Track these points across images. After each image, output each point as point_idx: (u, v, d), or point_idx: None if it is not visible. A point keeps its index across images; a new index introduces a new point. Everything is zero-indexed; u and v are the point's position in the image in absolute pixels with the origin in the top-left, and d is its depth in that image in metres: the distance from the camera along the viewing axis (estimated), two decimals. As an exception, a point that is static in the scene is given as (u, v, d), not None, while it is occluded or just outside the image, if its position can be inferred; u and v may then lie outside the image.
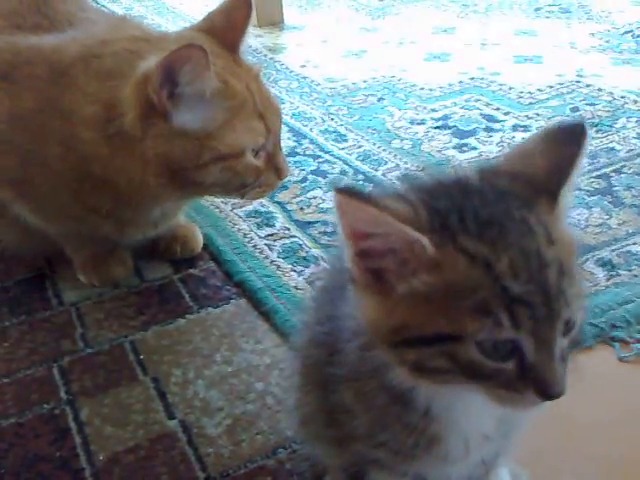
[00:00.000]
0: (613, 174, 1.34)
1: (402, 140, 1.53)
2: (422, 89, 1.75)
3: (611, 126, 1.50)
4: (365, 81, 1.83)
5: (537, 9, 2.21)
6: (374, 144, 1.52)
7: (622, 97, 1.62)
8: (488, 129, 1.54)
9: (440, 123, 1.58)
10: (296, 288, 1.10)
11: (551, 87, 1.70)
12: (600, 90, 1.66)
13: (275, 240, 1.23)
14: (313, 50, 2.05)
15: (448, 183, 0.54)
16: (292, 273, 1.14)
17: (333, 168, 1.44)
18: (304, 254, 1.18)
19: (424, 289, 0.49)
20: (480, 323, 0.48)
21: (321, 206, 1.31)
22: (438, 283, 0.49)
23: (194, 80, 0.91)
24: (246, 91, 0.98)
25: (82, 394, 0.95)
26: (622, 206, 1.24)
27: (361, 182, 1.38)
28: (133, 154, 0.95)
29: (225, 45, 1.01)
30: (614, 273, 1.08)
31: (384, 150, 1.49)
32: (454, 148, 1.48)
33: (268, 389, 0.94)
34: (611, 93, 1.64)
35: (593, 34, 1.99)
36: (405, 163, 1.43)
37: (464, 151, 1.47)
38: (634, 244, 1.15)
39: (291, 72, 1.92)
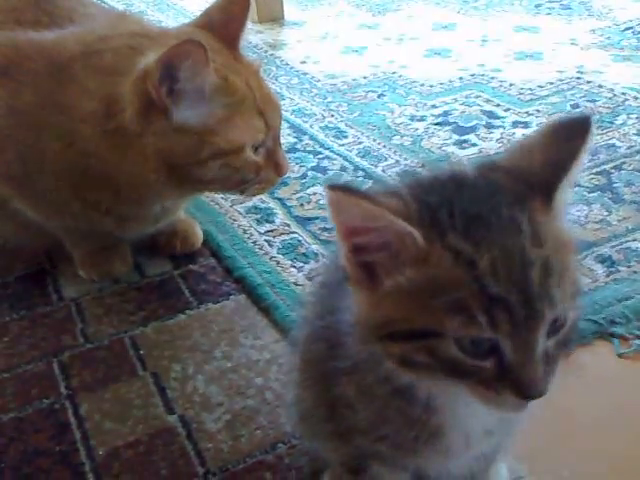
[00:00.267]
0: (613, 170, 1.34)
1: (402, 136, 1.53)
2: (422, 85, 1.75)
3: (611, 122, 1.50)
4: (365, 77, 1.83)
5: (538, 5, 2.20)
6: (374, 140, 1.52)
7: (623, 94, 1.62)
8: (488, 125, 1.54)
9: (440, 119, 1.58)
10: (296, 284, 1.11)
11: (551, 84, 1.70)
12: (601, 87, 1.66)
13: (275, 236, 1.23)
14: (313, 46, 2.05)
15: (443, 178, 0.54)
16: (292, 269, 1.14)
17: (333, 164, 1.44)
18: (304, 250, 1.18)
19: (408, 284, 0.50)
20: (459, 321, 0.48)
21: (321, 202, 1.31)
22: (422, 278, 0.49)
23: (193, 76, 0.91)
24: (246, 87, 0.98)
25: (82, 389, 0.96)
26: (622, 202, 1.24)
27: (361, 178, 1.38)
28: (132, 150, 0.95)
29: (224, 41, 1.01)
30: (614, 269, 1.08)
31: (384, 146, 1.49)
32: (454, 144, 1.48)
33: (267, 384, 0.94)
34: (612, 90, 1.64)
35: (594, 31, 1.99)
36: (405, 159, 1.43)
37: (464, 147, 1.47)
38: (634, 240, 1.15)
39: (291, 68, 1.92)
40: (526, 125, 1.52)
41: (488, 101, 1.64)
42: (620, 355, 0.95)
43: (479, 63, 1.85)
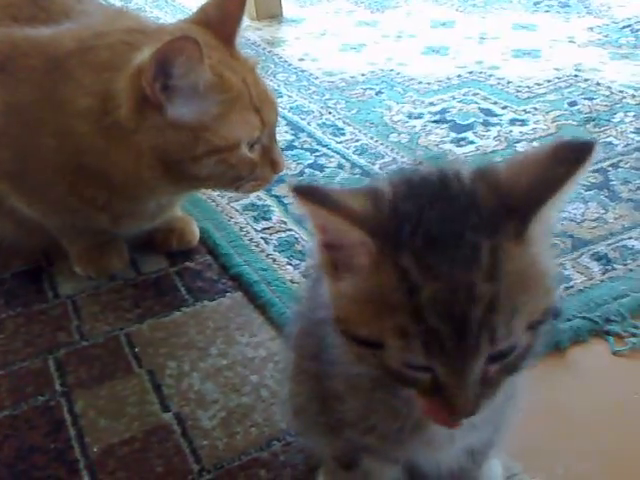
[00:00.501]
0: (610, 168, 1.33)
1: (400, 134, 1.52)
2: (420, 83, 1.75)
3: (609, 120, 1.50)
4: (363, 75, 1.82)
5: (536, 3, 2.20)
6: (372, 138, 1.52)
7: (620, 91, 1.62)
8: (486, 123, 1.54)
9: (438, 117, 1.58)
10: (292, 281, 1.10)
11: (549, 81, 1.70)
12: (598, 84, 1.66)
13: (271, 234, 1.23)
14: (312, 43, 2.05)
15: (429, 182, 0.52)
16: (288, 266, 1.14)
17: (330, 162, 1.43)
18: (300, 248, 1.18)
19: (360, 291, 0.50)
20: (397, 342, 0.49)
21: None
22: (371, 289, 0.49)
23: (187, 73, 0.91)
24: (242, 84, 0.98)
25: (77, 386, 0.95)
26: (618, 200, 1.24)
27: (358, 176, 1.38)
28: (128, 146, 0.95)
29: (221, 38, 1.01)
30: (609, 267, 1.08)
31: (381, 144, 1.49)
32: (451, 142, 1.48)
33: (263, 382, 0.94)
34: (609, 87, 1.64)
35: (592, 28, 1.99)
36: (402, 157, 1.43)
37: (461, 145, 1.46)
38: (630, 238, 1.14)
39: (289, 65, 1.91)
40: (523, 123, 1.52)
41: (486, 99, 1.64)
42: (615, 353, 0.95)
43: (477, 61, 1.84)
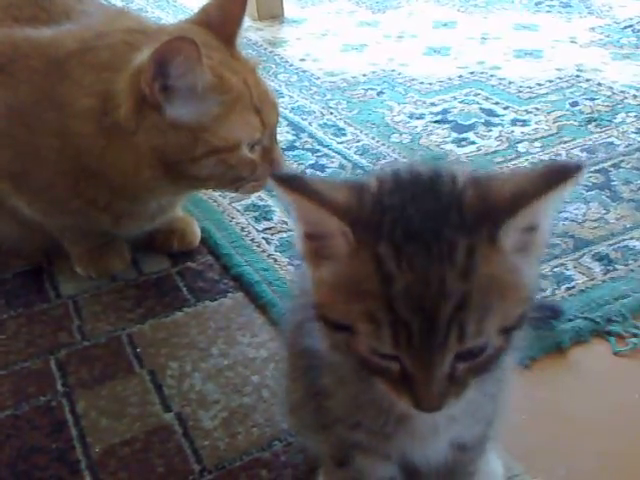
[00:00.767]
0: (611, 169, 1.33)
1: (401, 134, 1.52)
2: (422, 83, 1.75)
3: (610, 121, 1.50)
4: (365, 75, 1.82)
5: (538, 3, 2.20)
6: (373, 138, 1.52)
7: (622, 92, 1.62)
8: (487, 123, 1.54)
9: (439, 117, 1.58)
10: (292, 281, 1.10)
11: (551, 82, 1.70)
12: (600, 85, 1.66)
13: (273, 234, 1.23)
14: (313, 44, 2.05)
15: (420, 180, 0.54)
16: (289, 267, 1.14)
17: (332, 162, 1.43)
18: (301, 248, 1.18)
19: (337, 277, 0.52)
20: (367, 328, 0.50)
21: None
22: (347, 276, 0.51)
23: (185, 73, 0.91)
24: (243, 85, 0.98)
25: (79, 386, 0.95)
26: (620, 201, 1.24)
27: (359, 176, 1.38)
28: (128, 146, 0.95)
29: (222, 38, 1.01)
30: (611, 268, 1.08)
31: (383, 144, 1.49)
32: (453, 142, 1.48)
33: (264, 382, 0.94)
34: (611, 88, 1.64)
35: (593, 28, 1.99)
36: (404, 157, 1.43)
37: (463, 145, 1.46)
38: (631, 239, 1.14)
39: (291, 66, 1.91)
40: (525, 123, 1.52)
41: (487, 99, 1.64)
42: (616, 353, 0.95)
43: (479, 61, 1.84)
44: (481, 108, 1.61)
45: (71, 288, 1.15)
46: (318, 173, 1.40)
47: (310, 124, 1.59)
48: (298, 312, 0.67)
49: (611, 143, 1.42)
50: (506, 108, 1.59)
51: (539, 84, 1.69)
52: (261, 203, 1.31)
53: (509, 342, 0.53)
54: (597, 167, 1.34)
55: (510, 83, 1.71)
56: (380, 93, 1.72)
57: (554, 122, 1.52)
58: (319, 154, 1.47)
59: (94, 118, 0.95)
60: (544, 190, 0.50)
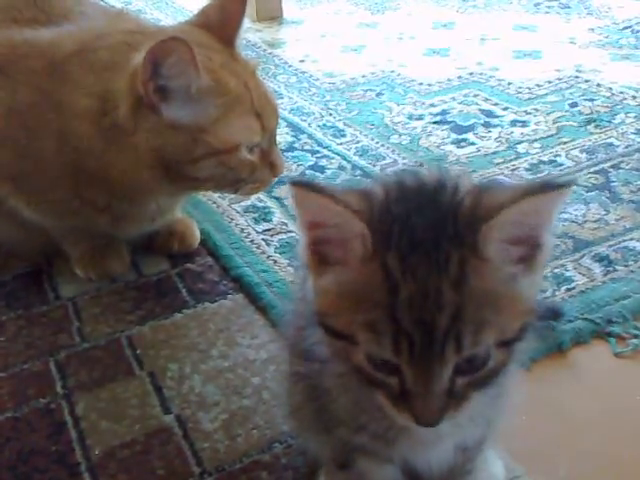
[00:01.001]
0: (611, 170, 1.33)
1: (400, 135, 1.52)
2: (421, 84, 1.75)
3: (610, 122, 1.50)
4: (364, 76, 1.82)
5: (537, 4, 2.20)
6: (372, 139, 1.51)
7: (621, 92, 1.62)
8: (486, 124, 1.54)
9: (438, 118, 1.58)
10: (293, 283, 1.10)
11: (550, 82, 1.70)
12: (599, 85, 1.66)
13: (272, 235, 1.23)
14: (312, 45, 2.05)
15: (425, 190, 0.54)
16: (289, 268, 1.14)
17: (331, 163, 1.43)
18: (301, 249, 1.18)
19: (344, 285, 0.52)
20: (369, 337, 0.50)
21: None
22: (356, 283, 0.51)
23: (178, 74, 0.91)
24: (243, 88, 0.98)
25: (78, 388, 0.95)
26: (620, 202, 1.24)
27: (359, 177, 1.38)
28: (127, 147, 0.95)
29: (221, 40, 1.01)
30: (611, 269, 1.08)
31: (382, 145, 1.49)
32: (452, 143, 1.48)
33: (264, 384, 0.94)
34: (610, 88, 1.64)
35: (592, 29, 1.99)
36: (403, 158, 1.43)
37: (462, 146, 1.46)
38: (631, 240, 1.14)
39: (290, 67, 1.91)
40: (524, 124, 1.52)
41: (486, 100, 1.64)
42: (617, 354, 0.95)
43: (478, 62, 1.84)
44: (480, 109, 1.61)
45: (71, 290, 1.15)
46: (317, 174, 1.39)
47: (309, 125, 1.59)
48: (300, 317, 0.66)
49: (610, 144, 1.42)
50: (505, 109, 1.59)
51: (538, 85, 1.69)
52: (260, 204, 1.31)
53: (510, 355, 0.53)
54: (597, 168, 1.34)
55: (509, 84, 1.71)
56: (379, 94, 1.72)
57: (553, 123, 1.52)
58: (318, 155, 1.47)
59: (93, 119, 0.95)
60: (515, 200, 0.49)
